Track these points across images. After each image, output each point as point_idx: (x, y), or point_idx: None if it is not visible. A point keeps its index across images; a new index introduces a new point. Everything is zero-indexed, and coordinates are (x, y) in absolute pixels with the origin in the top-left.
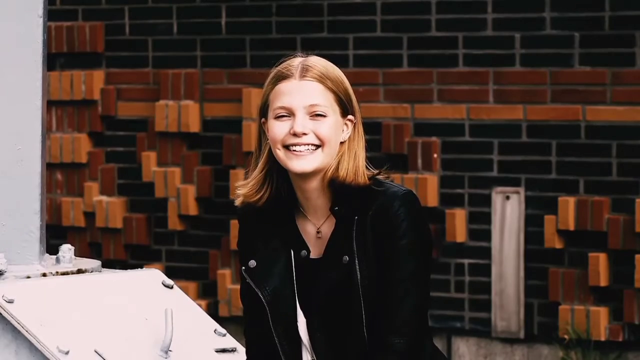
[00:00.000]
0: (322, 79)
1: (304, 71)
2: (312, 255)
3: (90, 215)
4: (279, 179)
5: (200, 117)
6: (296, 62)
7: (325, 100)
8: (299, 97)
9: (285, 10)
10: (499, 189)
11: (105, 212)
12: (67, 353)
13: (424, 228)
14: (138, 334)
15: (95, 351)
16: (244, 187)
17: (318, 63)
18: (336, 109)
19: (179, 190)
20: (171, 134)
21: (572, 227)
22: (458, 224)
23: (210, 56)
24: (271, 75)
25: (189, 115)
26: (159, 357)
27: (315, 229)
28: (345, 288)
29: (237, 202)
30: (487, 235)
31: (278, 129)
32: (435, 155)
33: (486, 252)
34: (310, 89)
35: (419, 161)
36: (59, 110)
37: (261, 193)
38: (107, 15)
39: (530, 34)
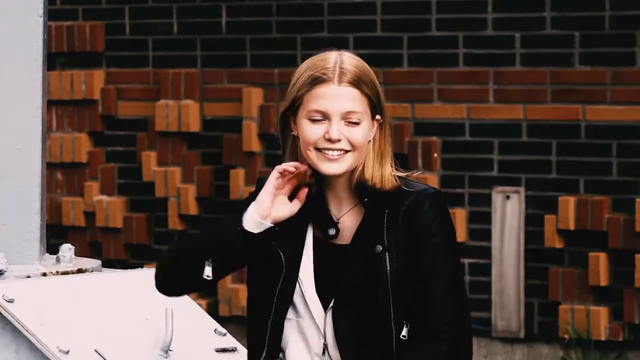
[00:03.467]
0: (359, 84)
1: (342, 75)
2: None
3: (90, 215)
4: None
5: (200, 116)
6: (331, 62)
7: (360, 107)
8: (336, 103)
9: (285, 10)
10: (499, 188)
11: (105, 212)
12: (67, 352)
13: (452, 223)
14: (138, 334)
15: (96, 351)
16: None
17: (354, 66)
18: (368, 113)
19: (179, 190)
20: (171, 134)
21: (572, 227)
22: (458, 223)
23: (211, 56)
24: (306, 74)
25: (189, 114)
26: (159, 356)
27: (335, 220)
28: (372, 278)
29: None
30: (487, 235)
31: (312, 132)
32: (435, 155)
33: (486, 252)
34: (347, 95)
35: (419, 161)
36: (59, 109)
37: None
38: (108, 14)
39: (531, 34)
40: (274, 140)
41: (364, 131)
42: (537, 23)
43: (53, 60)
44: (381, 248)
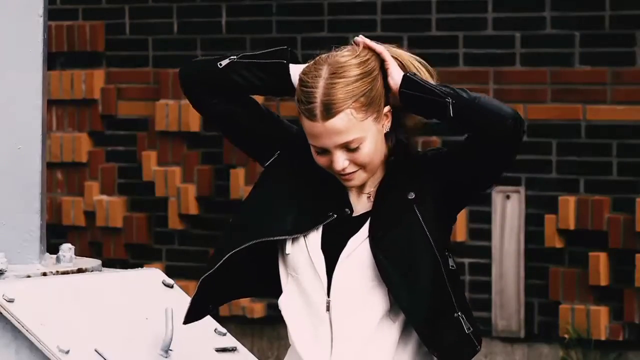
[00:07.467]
0: (345, 104)
1: (326, 111)
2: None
3: (90, 215)
4: None
5: (200, 116)
6: (316, 95)
7: (356, 131)
8: (329, 140)
9: (285, 10)
10: (500, 188)
11: (105, 212)
12: (67, 352)
13: None
14: (138, 334)
15: (96, 350)
16: None
17: (338, 84)
18: (369, 125)
19: (179, 190)
20: (171, 133)
21: (572, 227)
22: (458, 223)
23: (211, 55)
24: (298, 103)
25: (189, 114)
26: (159, 356)
27: (365, 193)
28: (404, 223)
29: None
30: (487, 235)
31: (321, 162)
32: None
33: (486, 252)
34: (336, 128)
35: None
36: (59, 109)
37: None
38: (108, 14)
39: (531, 33)
40: None
41: (369, 148)
42: (537, 23)
43: (53, 60)
44: (414, 194)
